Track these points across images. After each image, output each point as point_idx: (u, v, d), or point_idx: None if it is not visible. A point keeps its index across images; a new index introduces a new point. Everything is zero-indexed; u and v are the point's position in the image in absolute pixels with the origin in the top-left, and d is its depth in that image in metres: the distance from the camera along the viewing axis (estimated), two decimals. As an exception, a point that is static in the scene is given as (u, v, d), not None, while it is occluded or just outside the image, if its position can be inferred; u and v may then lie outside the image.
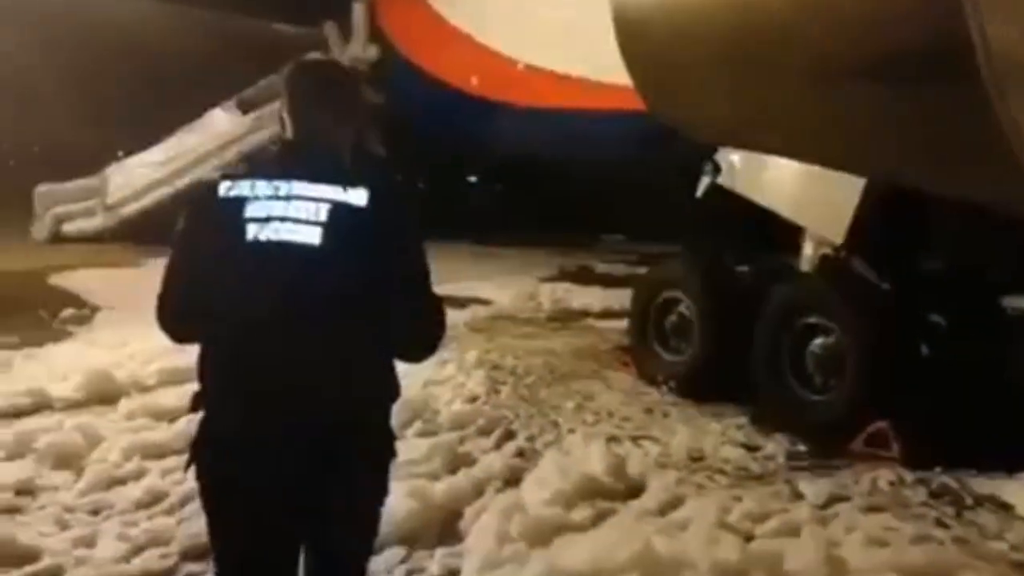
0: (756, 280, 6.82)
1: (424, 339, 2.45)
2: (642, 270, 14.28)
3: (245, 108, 15.90)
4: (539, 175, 14.03)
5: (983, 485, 5.14)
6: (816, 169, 6.18)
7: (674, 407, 6.65)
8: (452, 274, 11.16)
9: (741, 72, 5.55)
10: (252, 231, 2.29)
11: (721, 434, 6.02)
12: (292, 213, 2.30)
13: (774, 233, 7.45)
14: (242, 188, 2.34)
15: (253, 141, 15.69)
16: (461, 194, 17.05)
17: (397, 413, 2.52)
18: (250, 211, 2.31)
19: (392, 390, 2.46)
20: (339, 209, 2.31)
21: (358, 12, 16.31)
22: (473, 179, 17.87)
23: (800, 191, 6.38)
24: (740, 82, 5.64)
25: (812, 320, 6.10)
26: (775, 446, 5.76)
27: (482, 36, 13.17)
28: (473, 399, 6.53)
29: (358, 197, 2.32)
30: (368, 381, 2.38)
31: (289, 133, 2.47)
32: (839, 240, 6.19)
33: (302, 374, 2.28)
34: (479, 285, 11.30)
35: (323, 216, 2.29)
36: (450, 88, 13.94)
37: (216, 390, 2.37)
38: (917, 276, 6.33)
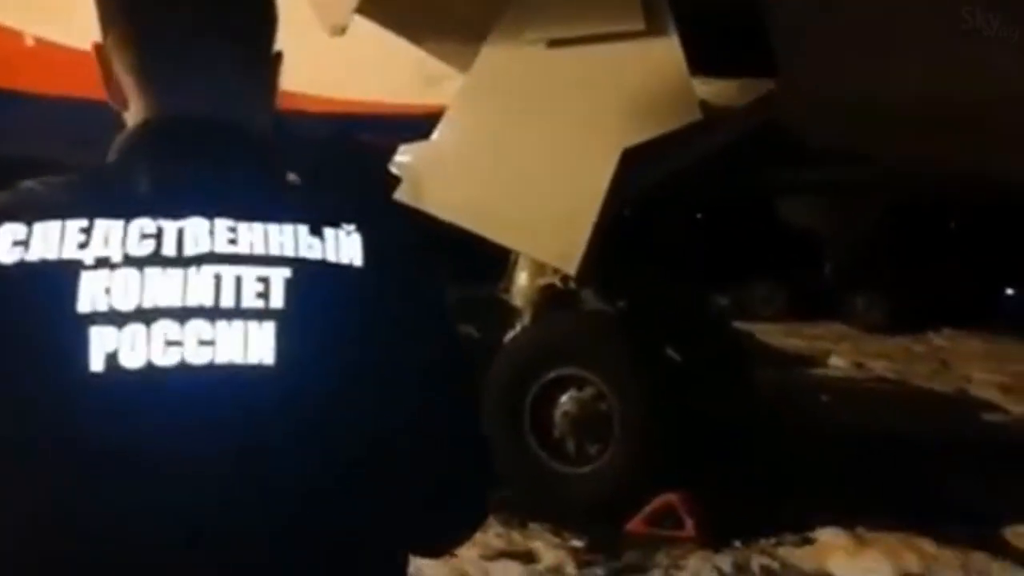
0: (471, 323, 5.43)
1: (467, 515, 1.15)
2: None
3: None
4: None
5: (795, 555, 4.39)
6: (540, 186, 4.97)
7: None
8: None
9: None
10: (101, 348, 0.89)
11: (471, 540, 4.51)
12: (203, 297, 0.93)
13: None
14: (59, 240, 0.91)
15: None
16: None
17: None
18: (90, 298, 0.90)
19: None
20: (311, 277, 0.96)
21: None
22: None
23: (518, 211, 5.08)
24: None
25: (559, 373, 4.88)
26: (553, 550, 4.42)
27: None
28: None
29: (345, 247, 0.98)
30: None
31: (139, 105, 1.03)
32: (573, 269, 5.03)
33: None
34: None
35: (278, 296, 0.94)
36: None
37: None
38: (647, 303, 5.46)
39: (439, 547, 1.21)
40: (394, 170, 5.50)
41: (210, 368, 0.91)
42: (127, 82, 1.04)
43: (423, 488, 1.05)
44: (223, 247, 0.94)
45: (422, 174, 5.37)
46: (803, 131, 5.38)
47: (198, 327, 0.91)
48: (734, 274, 10.31)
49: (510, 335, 5.34)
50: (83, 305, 0.90)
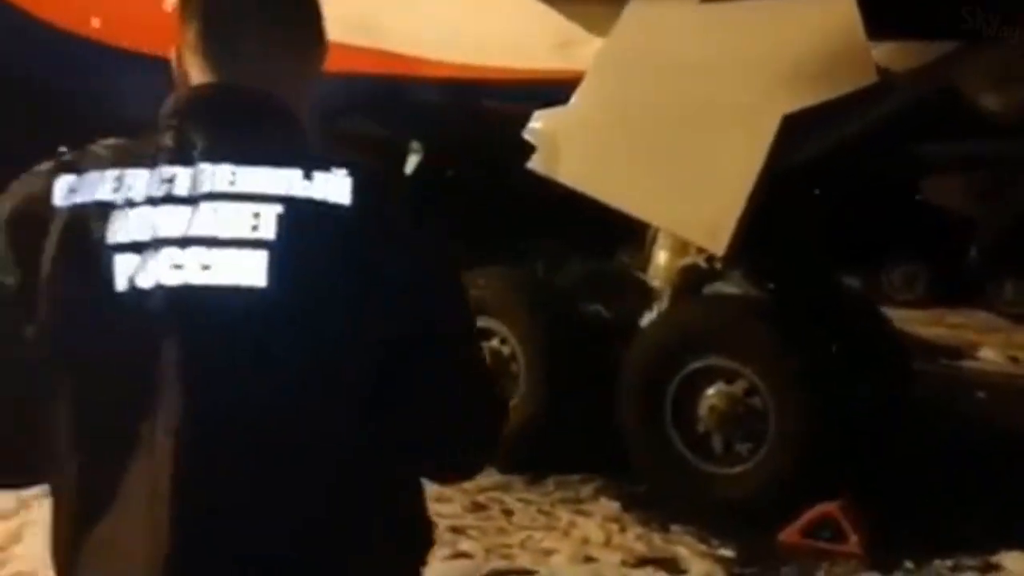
0: (600, 301, 5.03)
1: (473, 445, 1.27)
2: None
3: None
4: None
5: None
6: (688, 156, 4.52)
7: (508, 495, 4.65)
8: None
9: None
10: (124, 272, 1.11)
11: (606, 543, 4.14)
12: (204, 228, 1.13)
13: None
14: (99, 186, 1.15)
15: None
16: None
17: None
18: (118, 232, 1.13)
19: (418, 540, 1.25)
20: (300, 212, 1.13)
21: None
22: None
23: (661, 184, 4.63)
24: None
25: (706, 363, 4.44)
26: (700, 559, 4.00)
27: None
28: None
29: (334, 188, 1.14)
30: (375, 537, 1.16)
31: (194, 75, 1.24)
32: (721, 250, 4.56)
33: (250, 548, 1.08)
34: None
35: (268, 229, 1.12)
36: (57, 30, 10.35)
37: None
38: (799, 288, 4.96)
39: (446, 475, 1.33)
40: (527, 137, 5.12)
41: (208, 288, 1.09)
42: (188, 59, 1.23)
43: (421, 415, 1.17)
44: (223, 187, 1.12)
45: (557, 142, 4.97)
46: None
47: (198, 253, 1.10)
48: (868, 255, 9.62)
49: (646, 318, 4.92)
50: (111, 237, 1.11)
